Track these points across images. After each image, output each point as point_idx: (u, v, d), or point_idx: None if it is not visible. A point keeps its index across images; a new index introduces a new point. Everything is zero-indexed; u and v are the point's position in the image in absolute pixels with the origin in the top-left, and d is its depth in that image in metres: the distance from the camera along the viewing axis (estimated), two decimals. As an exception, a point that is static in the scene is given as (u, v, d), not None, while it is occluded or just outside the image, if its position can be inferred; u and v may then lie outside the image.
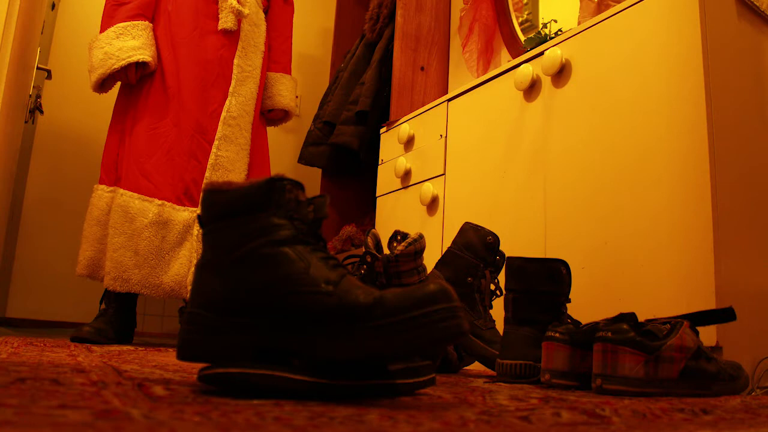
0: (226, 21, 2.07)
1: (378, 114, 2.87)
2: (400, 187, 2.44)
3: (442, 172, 2.20)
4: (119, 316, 2.01)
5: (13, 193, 3.23)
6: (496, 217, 1.91)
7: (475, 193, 2.03)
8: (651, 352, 1.01)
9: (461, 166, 2.12)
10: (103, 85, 2.03)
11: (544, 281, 1.29)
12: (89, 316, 2.10)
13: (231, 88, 2.07)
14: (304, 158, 3.28)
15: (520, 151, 1.86)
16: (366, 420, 0.55)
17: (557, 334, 1.14)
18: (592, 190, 1.61)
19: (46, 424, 0.42)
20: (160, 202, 1.94)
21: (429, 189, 2.22)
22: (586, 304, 1.44)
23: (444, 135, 2.22)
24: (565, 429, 0.58)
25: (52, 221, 3.39)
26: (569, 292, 1.33)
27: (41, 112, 3.08)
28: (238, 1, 2.09)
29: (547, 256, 1.66)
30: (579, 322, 1.33)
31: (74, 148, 3.45)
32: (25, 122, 3.01)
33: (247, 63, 2.12)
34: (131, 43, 1.95)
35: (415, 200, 2.30)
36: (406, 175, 2.40)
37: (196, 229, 1.92)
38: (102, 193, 2.02)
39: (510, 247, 1.82)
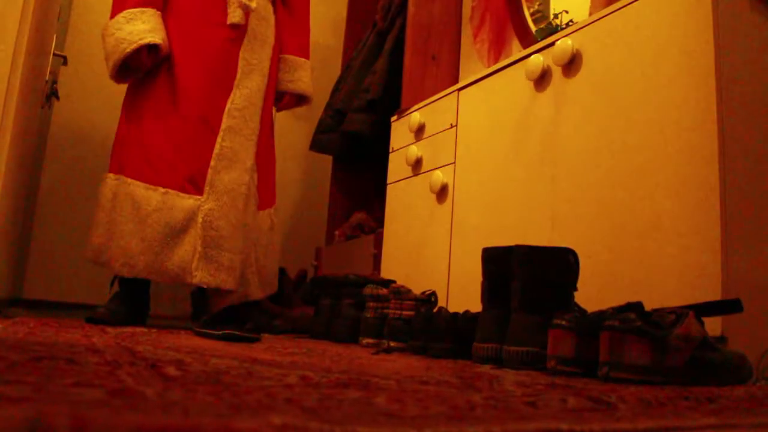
0: (233, 15, 2.08)
1: (389, 102, 2.87)
2: (411, 174, 2.45)
3: (452, 161, 2.20)
4: (132, 298, 2.04)
5: (30, 177, 3.26)
6: (505, 205, 1.92)
7: (484, 181, 2.04)
8: (657, 341, 1.01)
9: (471, 154, 2.12)
10: (120, 73, 2.04)
11: (552, 269, 1.30)
12: (104, 298, 2.13)
13: (236, 81, 2.08)
14: (316, 146, 3.29)
15: (529, 140, 1.86)
16: (375, 402, 0.56)
17: (564, 322, 1.15)
18: (601, 181, 1.61)
19: (63, 401, 0.44)
20: (164, 190, 1.97)
21: (439, 177, 2.22)
22: (592, 294, 1.45)
23: (455, 124, 2.22)
24: (571, 415, 0.58)
25: (67, 205, 3.42)
26: (576, 281, 1.34)
27: (57, 98, 3.10)
28: None
29: (555, 245, 1.67)
30: (585, 311, 1.33)
31: (89, 134, 3.47)
32: (41, 108, 3.03)
33: (254, 56, 2.13)
34: (141, 26, 1.97)
35: (425, 188, 2.31)
36: (417, 163, 2.40)
37: (201, 217, 1.95)
38: (109, 180, 2.04)
39: (517, 236, 1.83)
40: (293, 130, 3.72)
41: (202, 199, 1.96)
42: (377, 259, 2.71)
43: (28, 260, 3.39)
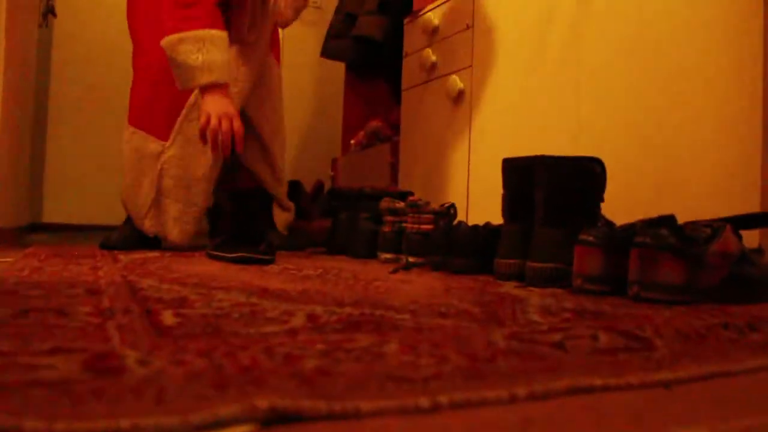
0: None
1: (402, 3, 2.71)
2: (426, 80, 2.34)
3: (469, 64, 2.09)
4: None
5: (37, 98, 3.19)
6: (526, 112, 1.82)
7: (503, 86, 1.93)
8: (692, 259, 0.95)
9: (489, 57, 2.00)
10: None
11: (577, 181, 1.22)
12: (123, 219, 2.10)
13: None
14: (327, 52, 3.16)
15: (551, 40, 1.74)
16: (384, 355, 0.51)
17: (591, 238, 1.08)
18: (630, 84, 1.50)
19: (21, 384, 0.39)
20: (133, 129, 1.97)
21: (455, 82, 2.11)
22: (619, 205, 1.37)
23: (471, 25, 2.09)
24: (605, 359, 0.53)
25: (78, 124, 3.37)
26: (603, 193, 1.26)
27: (54, 14, 2.98)
28: None
29: (581, 154, 1.58)
30: (613, 224, 1.27)
31: (94, 50, 3.36)
32: (39, 26, 2.92)
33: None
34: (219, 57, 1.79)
35: (442, 94, 2.20)
36: (432, 67, 2.28)
37: (160, 164, 1.92)
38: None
39: (540, 145, 1.74)
40: (303, 37, 3.57)
41: (166, 145, 1.93)
42: (394, 168, 2.64)
43: (44, 184, 3.38)
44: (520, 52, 1.86)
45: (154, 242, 2.01)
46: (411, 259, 1.64)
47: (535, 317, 0.75)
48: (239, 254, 1.53)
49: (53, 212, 3.43)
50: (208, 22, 1.76)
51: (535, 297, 0.98)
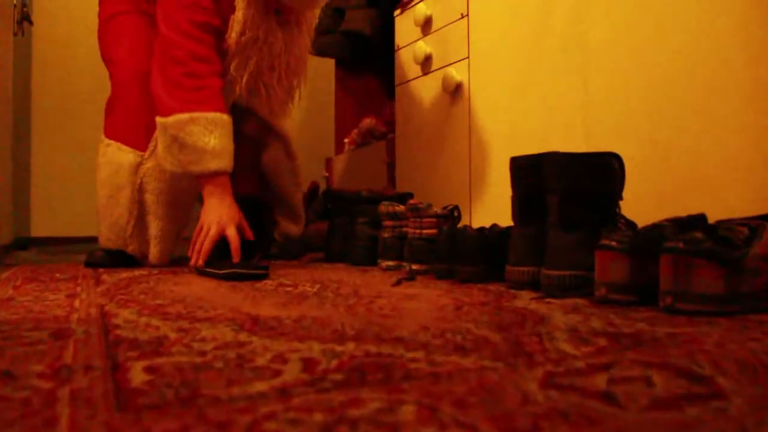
0: None
1: (390, -6, 2.61)
2: (421, 74, 2.23)
3: (465, 56, 1.98)
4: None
5: (20, 109, 3.10)
6: (529, 103, 1.71)
7: (504, 77, 1.82)
8: (732, 264, 0.85)
9: (486, 48, 1.90)
10: None
11: (594, 179, 1.12)
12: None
13: None
14: (316, 48, 3.04)
15: (553, 24, 1.64)
16: (400, 424, 0.41)
17: (614, 243, 0.98)
18: (643, 63, 1.40)
19: None
20: (108, 141, 1.83)
21: (452, 75, 2.01)
22: (637, 202, 1.27)
23: (465, 14, 1.98)
24: (670, 416, 0.43)
25: (63, 133, 3.29)
26: (622, 190, 1.16)
27: (30, 22, 2.87)
28: None
29: (589, 149, 1.48)
30: (634, 224, 1.17)
31: (75, 57, 3.28)
32: (15, 35, 2.81)
33: None
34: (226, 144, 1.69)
35: (438, 88, 2.10)
36: (427, 60, 2.18)
37: (139, 177, 1.78)
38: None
39: (545, 141, 1.64)
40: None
41: (145, 156, 1.79)
42: (391, 167, 2.54)
43: (31, 197, 3.29)
44: (520, 40, 1.75)
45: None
46: (414, 267, 1.54)
47: (566, 347, 0.65)
48: (230, 270, 1.43)
49: (42, 226, 3.34)
50: (219, 106, 1.66)
51: (558, 313, 0.88)
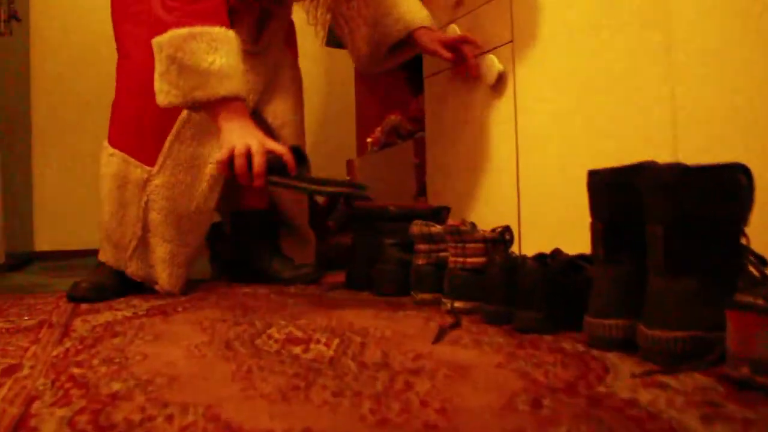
0: None
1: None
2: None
3: (509, 39, 1.66)
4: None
5: (18, 118, 2.97)
6: (592, 99, 1.40)
7: (559, 63, 1.50)
8: None
9: (537, 28, 1.57)
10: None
11: (716, 201, 0.80)
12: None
13: None
14: (332, 40, 2.75)
15: (623, -3, 1.32)
16: None
17: (762, 301, 0.67)
18: (755, 46, 1.07)
19: None
20: (111, 151, 1.62)
21: (493, 63, 1.69)
22: (763, 227, 0.95)
23: (507, -12, 1.66)
24: None
25: (64, 143, 3.21)
26: (750, 214, 0.84)
27: (18, 19, 2.64)
28: None
29: (678, 159, 1.17)
30: (765, 261, 0.85)
31: (74, 57, 3.17)
32: (2, 35, 2.58)
33: None
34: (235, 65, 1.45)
35: (476, 79, 1.78)
36: (460, 47, 1.86)
37: (146, 194, 1.58)
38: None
39: (616, 150, 1.32)
40: (305, 25, 3.18)
41: (153, 172, 1.58)
42: (420, 169, 2.24)
43: (33, 211, 3.21)
44: (581, 16, 1.43)
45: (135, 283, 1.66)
46: (457, 305, 1.23)
47: None
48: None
49: (46, 240, 3.20)
50: (221, 20, 1.38)
51: (687, 413, 0.57)
